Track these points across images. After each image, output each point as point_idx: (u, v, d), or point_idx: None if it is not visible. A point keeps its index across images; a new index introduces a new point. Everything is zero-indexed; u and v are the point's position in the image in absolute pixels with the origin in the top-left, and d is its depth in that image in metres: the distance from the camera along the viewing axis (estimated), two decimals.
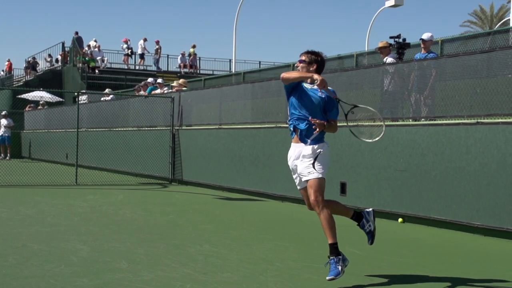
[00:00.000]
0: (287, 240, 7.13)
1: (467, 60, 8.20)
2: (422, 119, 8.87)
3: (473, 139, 7.64)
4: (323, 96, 5.04)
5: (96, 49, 31.21)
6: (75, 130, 15.04)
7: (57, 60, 33.20)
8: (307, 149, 5.01)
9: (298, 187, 5.22)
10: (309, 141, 5.01)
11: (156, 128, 15.61)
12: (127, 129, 17.01)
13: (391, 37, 10.42)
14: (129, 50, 32.43)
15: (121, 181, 14.63)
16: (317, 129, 4.91)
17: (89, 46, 30.75)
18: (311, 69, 5.09)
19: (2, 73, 41.81)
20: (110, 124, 17.98)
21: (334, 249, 4.89)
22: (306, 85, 5.10)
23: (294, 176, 5.24)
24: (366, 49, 25.91)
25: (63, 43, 31.92)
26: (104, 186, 13.69)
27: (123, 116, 17.55)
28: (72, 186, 13.55)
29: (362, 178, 9.24)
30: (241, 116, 12.67)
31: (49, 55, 34.48)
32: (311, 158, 4.97)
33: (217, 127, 13.29)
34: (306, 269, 5.55)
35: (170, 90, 16.68)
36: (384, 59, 10.43)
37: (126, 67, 32.36)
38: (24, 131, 25.10)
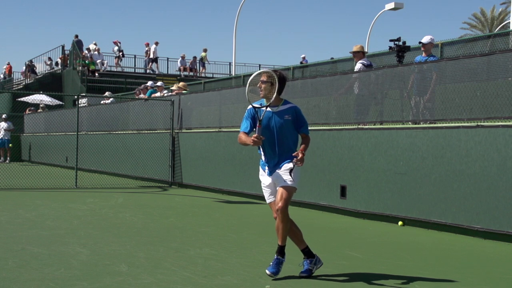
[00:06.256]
0: (286, 243, 7.10)
1: (467, 63, 8.19)
2: (422, 122, 8.86)
3: (473, 142, 7.64)
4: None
5: (96, 52, 31.23)
6: (75, 133, 15.02)
7: (57, 63, 33.23)
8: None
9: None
10: None
11: (156, 131, 15.61)
12: (127, 132, 17.01)
13: (391, 40, 10.40)
14: (120, 53, 32.39)
15: (121, 184, 14.63)
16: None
17: (88, 49, 30.76)
18: (273, 90, 5.38)
19: (1, 76, 41.85)
20: (110, 127, 17.97)
21: (281, 248, 5.36)
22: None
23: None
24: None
25: (63, 46, 31.98)
26: (104, 189, 13.68)
27: (123, 119, 17.55)
28: (72, 189, 13.54)
29: (362, 181, 9.23)
30: (241, 119, 12.55)
31: (49, 58, 34.52)
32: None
33: (217, 130, 13.29)
34: None
35: (170, 94, 16.68)
36: (356, 64, 10.43)
37: (120, 70, 32.36)
38: (24, 134, 25.09)
